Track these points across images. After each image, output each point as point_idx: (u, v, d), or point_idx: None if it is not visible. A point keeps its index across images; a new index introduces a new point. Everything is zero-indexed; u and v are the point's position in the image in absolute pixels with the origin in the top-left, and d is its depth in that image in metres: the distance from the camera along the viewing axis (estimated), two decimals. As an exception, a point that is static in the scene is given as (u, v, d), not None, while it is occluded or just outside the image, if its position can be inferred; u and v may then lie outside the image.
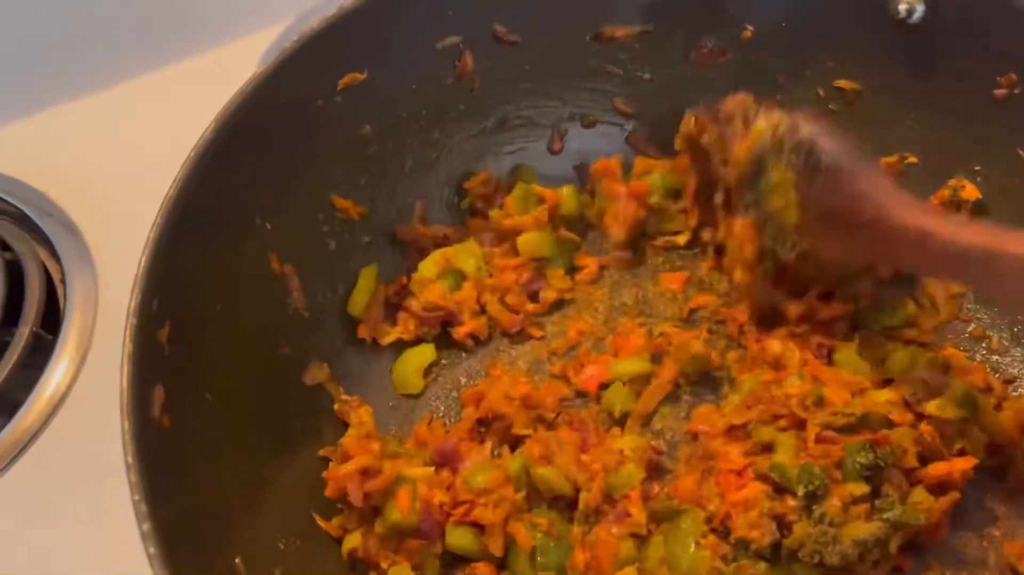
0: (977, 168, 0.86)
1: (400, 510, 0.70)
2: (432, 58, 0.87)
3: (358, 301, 0.85)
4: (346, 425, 0.79)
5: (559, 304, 0.89)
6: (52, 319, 0.90)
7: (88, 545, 0.75)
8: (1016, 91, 0.81)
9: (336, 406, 0.81)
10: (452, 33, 0.86)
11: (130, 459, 0.53)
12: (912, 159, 0.89)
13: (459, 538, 0.71)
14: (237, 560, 0.63)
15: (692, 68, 0.93)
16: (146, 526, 0.51)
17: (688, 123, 0.85)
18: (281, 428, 0.77)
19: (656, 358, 0.82)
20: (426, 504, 0.71)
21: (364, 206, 0.87)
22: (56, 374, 0.85)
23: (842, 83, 0.91)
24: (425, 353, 0.85)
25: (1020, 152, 0.83)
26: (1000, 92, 0.82)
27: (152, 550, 0.50)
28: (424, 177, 0.91)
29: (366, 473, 0.72)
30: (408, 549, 0.72)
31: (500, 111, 0.93)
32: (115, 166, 0.99)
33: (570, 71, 0.93)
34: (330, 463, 0.76)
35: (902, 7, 0.83)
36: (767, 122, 0.76)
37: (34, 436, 0.81)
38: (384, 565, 0.71)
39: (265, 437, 0.74)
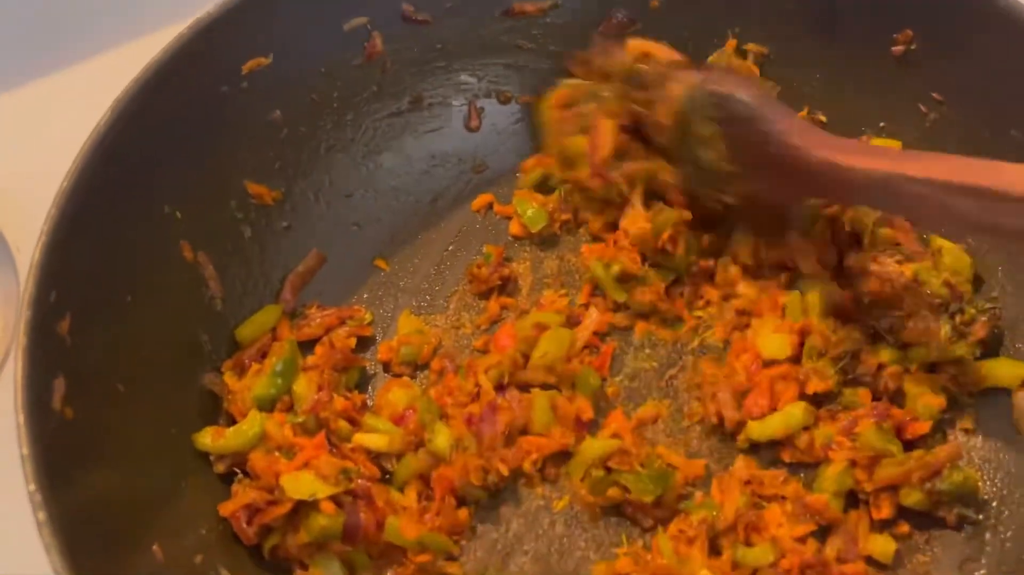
0: (882, 125, 0.88)
1: (315, 528, 0.69)
2: (340, 40, 0.86)
3: (247, 332, 0.82)
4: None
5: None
6: None
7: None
8: (912, 47, 0.83)
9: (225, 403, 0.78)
10: (358, 14, 0.86)
11: (25, 451, 0.53)
12: (822, 117, 0.91)
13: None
14: (155, 547, 0.63)
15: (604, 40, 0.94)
16: (41, 515, 0.51)
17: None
18: (203, 418, 0.77)
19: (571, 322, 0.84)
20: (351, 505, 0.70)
21: (279, 191, 0.87)
22: None
23: (750, 47, 0.92)
24: None
25: (920, 107, 0.85)
26: (898, 49, 0.84)
27: (48, 539, 0.50)
28: (340, 159, 0.91)
29: (253, 508, 0.69)
30: (336, 548, 0.70)
31: (414, 90, 0.93)
32: (32, 165, 0.96)
33: (483, 48, 0.93)
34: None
35: (800, -32, 0.85)
36: (683, 86, 0.80)
37: None
38: (308, 562, 0.70)
39: (185, 427, 0.74)
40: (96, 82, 0.99)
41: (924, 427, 0.74)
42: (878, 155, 0.72)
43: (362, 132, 0.92)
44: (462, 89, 0.95)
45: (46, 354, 0.59)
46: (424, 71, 0.93)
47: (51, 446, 0.55)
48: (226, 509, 0.69)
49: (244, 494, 0.69)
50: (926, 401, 0.75)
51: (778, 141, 0.75)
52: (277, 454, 0.71)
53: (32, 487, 0.51)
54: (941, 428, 0.77)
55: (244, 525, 0.68)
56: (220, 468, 0.74)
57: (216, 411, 0.78)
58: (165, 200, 0.76)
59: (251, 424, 0.72)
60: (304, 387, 0.75)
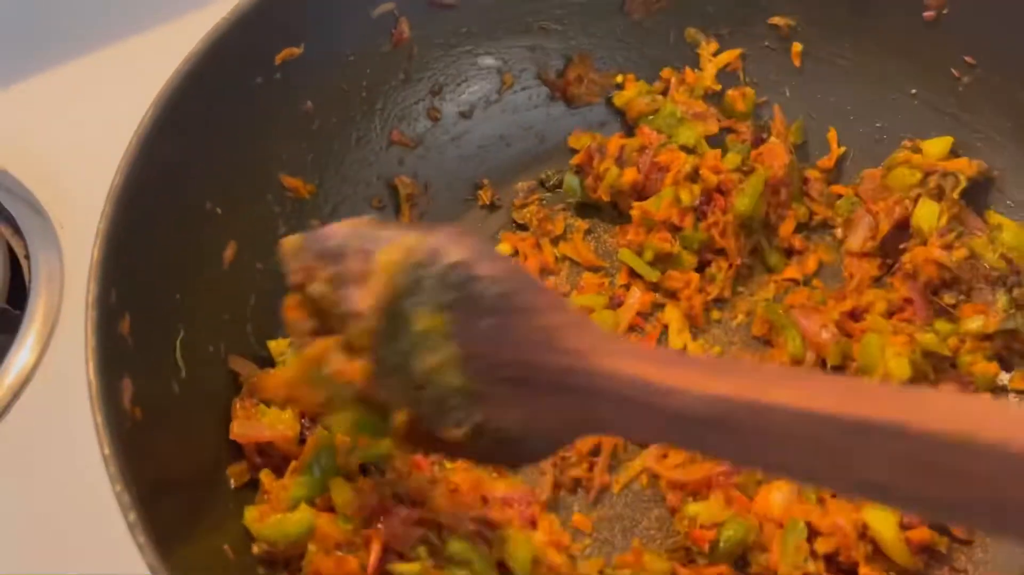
0: (914, 91, 0.88)
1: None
2: (368, 27, 0.85)
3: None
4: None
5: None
6: (18, 295, 0.90)
7: (56, 523, 0.75)
8: (944, 11, 0.83)
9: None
10: (387, 0, 0.85)
11: (107, 451, 0.52)
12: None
13: None
14: (225, 547, 0.62)
15: (629, 19, 0.94)
16: (132, 515, 0.50)
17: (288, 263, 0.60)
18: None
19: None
20: None
21: (313, 184, 0.86)
22: (24, 349, 0.85)
23: (776, 20, 0.92)
24: None
25: (953, 71, 0.85)
26: (929, 14, 0.84)
27: (141, 539, 0.49)
28: (371, 149, 0.90)
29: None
30: None
31: (442, 76, 0.92)
32: (75, 143, 0.97)
33: (508, 31, 0.93)
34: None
35: (829, -64, 0.84)
36: (397, 251, 0.51)
37: (3, 411, 0.81)
38: None
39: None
40: (133, 63, 1.00)
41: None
42: (718, 371, 0.44)
43: (391, 121, 0.90)
44: (487, 73, 0.94)
45: (113, 354, 0.58)
46: (450, 56, 0.92)
47: (128, 445, 0.54)
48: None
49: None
50: (981, 368, 0.75)
51: (555, 343, 0.47)
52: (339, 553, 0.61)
53: (119, 487, 0.50)
54: (995, 393, 0.77)
55: None
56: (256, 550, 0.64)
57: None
58: (206, 196, 0.74)
59: (298, 523, 0.62)
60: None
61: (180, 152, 0.69)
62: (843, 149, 0.91)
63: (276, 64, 0.78)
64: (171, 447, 0.63)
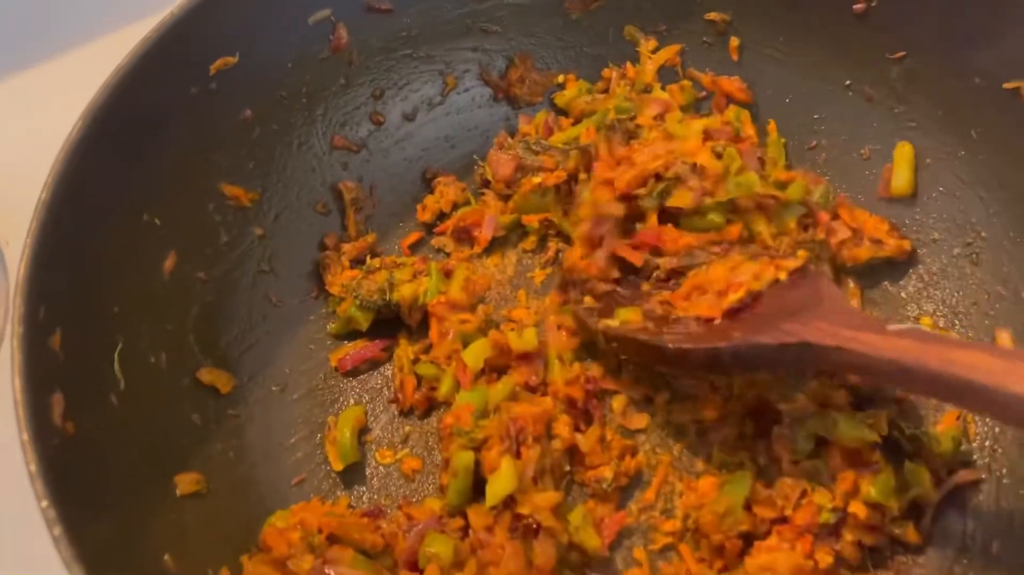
0: (848, 83, 0.89)
1: None
2: (305, 34, 0.85)
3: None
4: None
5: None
6: None
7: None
8: (873, 3, 0.84)
9: None
10: (322, 6, 0.85)
11: (33, 468, 0.52)
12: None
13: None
14: (167, 557, 0.63)
15: (569, 18, 0.94)
16: (57, 530, 0.50)
17: None
18: (199, 412, 0.76)
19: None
20: None
21: (255, 192, 0.86)
22: None
23: (712, 16, 0.93)
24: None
25: (884, 63, 0.86)
26: (858, 7, 0.85)
27: (66, 553, 0.49)
28: (313, 155, 0.90)
29: None
30: None
31: (384, 80, 0.92)
32: (15, 159, 0.96)
33: (448, 34, 0.93)
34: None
35: (756, -69, 0.85)
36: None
37: None
38: None
39: (180, 437, 0.73)
40: (70, 79, 0.98)
41: None
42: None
43: (332, 126, 0.91)
44: (429, 76, 0.95)
45: (41, 370, 0.58)
46: (390, 60, 0.92)
47: (57, 461, 0.54)
48: None
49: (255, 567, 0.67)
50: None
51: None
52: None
53: (45, 503, 0.50)
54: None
55: None
56: None
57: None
58: (143, 208, 0.74)
59: None
60: None
61: (112, 165, 0.69)
62: (783, 140, 0.92)
63: (211, 74, 0.79)
64: (108, 459, 0.63)
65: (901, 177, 0.86)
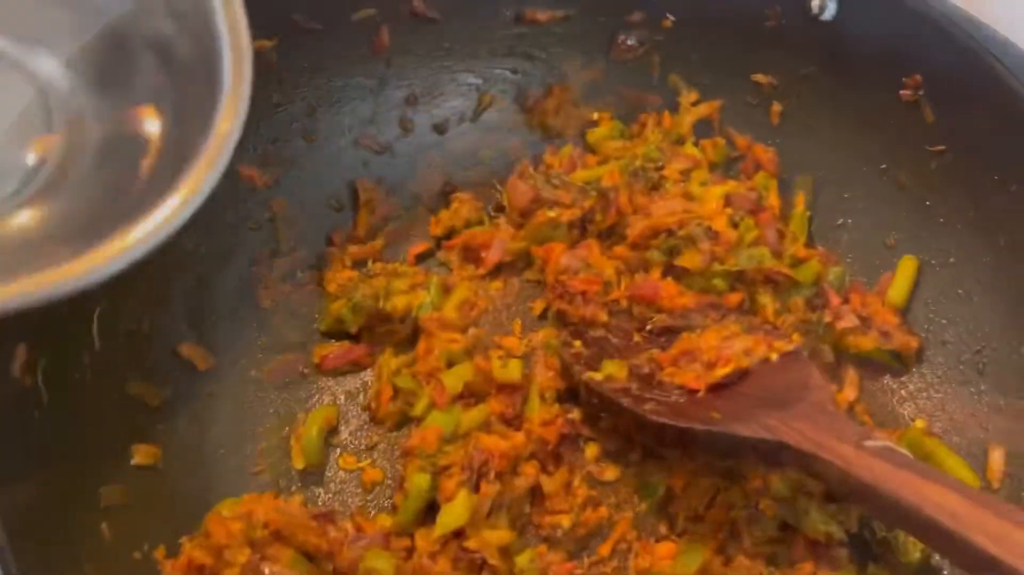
0: (884, 167, 0.87)
1: None
2: (346, 29, 0.85)
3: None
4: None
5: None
6: None
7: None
8: (921, 93, 0.82)
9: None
10: (367, 5, 0.85)
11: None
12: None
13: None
14: (104, 526, 0.62)
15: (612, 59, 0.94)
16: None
17: None
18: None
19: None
20: None
21: (270, 175, 0.86)
22: None
23: (759, 77, 0.91)
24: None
25: (924, 152, 0.84)
26: (906, 93, 0.83)
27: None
28: (336, 150, 0.90)
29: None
30: None
31: (419, 87, 0.92)
32: None
33: (491, 52, 0.93)
34: None
35: (815, 3, 0.84)
36: None
37: None
38: None
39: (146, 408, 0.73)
40: None
41: None
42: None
43: (360, 123, 0.91)
44: (466, 91, 0.94)
45: (11, 319, 0.58)
46: (429, 69, 0.92)
47: (4, 411, 0.54)
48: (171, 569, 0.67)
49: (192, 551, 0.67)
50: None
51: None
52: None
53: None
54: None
55: None
56: None
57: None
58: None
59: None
60: None
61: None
62: (808, 214, 0.90)
63: (246, 53, 0.79)
64: (67, 418, 0.63)
65: (899, 289, 0.84)
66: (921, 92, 0.82)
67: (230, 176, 0.80)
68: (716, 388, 0.74)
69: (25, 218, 0.47)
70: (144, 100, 0.50)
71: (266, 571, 0.66)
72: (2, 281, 0.41)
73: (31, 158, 0.48)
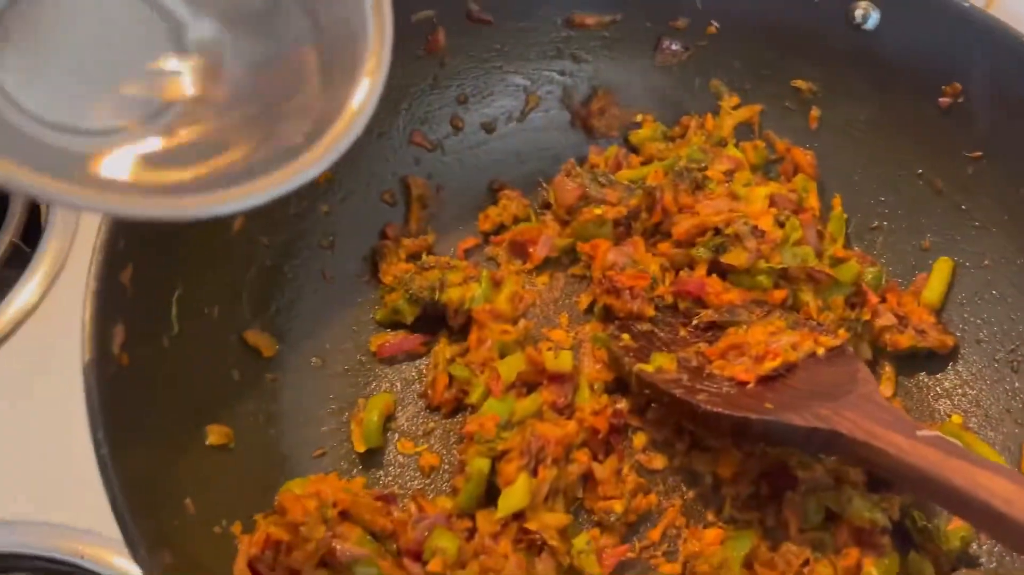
0: (920, 171, 0.90)
1: None
2: (405, 30, 0.87)
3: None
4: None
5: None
6: (33, 234, 0.93)
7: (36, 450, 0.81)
8: (959, 100, 0.86)
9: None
10: (427, 7, 0.88)
11: (91, 389, 0.55)
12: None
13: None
14: (187, 501, 0.65)
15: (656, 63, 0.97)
16: (104, 451, 0.52)
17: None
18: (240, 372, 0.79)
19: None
20: None
21: (328, 170, 0.88)
22: (30, 285, 0.89)
23: (799, 83, 0.94)
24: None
25: (960, 159, 0.87)
26: (944, 100, 0.86)
27: (111, 474, 0.52)
28: (391, 148, 0.93)
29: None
30: None
31: (470, 87, 0.95)
32: None
33: (541, 54, 0.96)
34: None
35: (858, 12, 0.87)
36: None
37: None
38: None
39: (218, 391, 0.76)
40: None
41: None
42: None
43: (413, 122, 0.93)
44: (514, 91, 0.97)
45: (111, 299, 0.60)
46: (480, 69, 0.95)
47: (109, 388, 0.57)
48: (249, 544, 0.68)
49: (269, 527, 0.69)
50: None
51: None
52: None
53: (95, 425, 0.53)
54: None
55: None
56: None
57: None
58: (225, 165, 0.77)
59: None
60: None
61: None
62: (845, 216, 0.93)
63: (312, 51, 0.81)
64: (151, 397, 0.65)
65: (934, 290, 0.88)
66: (960, 100, 0.85)
67: (292, 169, 0.85)
68: (765, 381, 0.77)
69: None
70: (290, 45, 0.52)
71: (338, 548, 0.68)
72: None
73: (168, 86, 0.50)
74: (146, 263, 0.66)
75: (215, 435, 0.72)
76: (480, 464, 0.75)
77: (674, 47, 0.96)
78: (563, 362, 0.83)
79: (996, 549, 0.76)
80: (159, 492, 0.60)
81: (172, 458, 0.66)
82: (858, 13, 0.87)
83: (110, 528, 0.73)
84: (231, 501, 0.70)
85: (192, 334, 0.73)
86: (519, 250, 0.94)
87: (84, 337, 0.57)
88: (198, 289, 0.74)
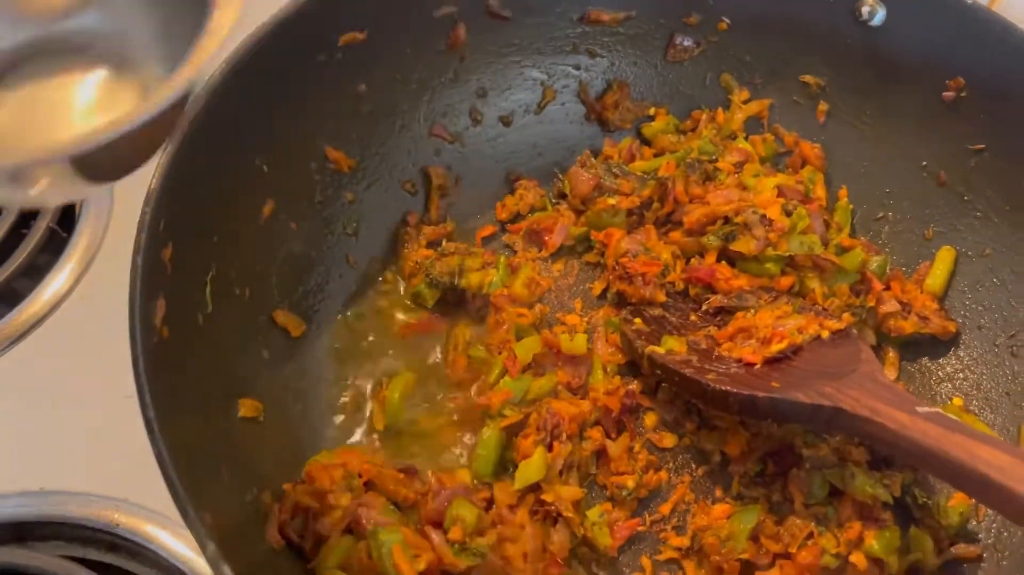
0: (924, 164, 0.93)
1: None
2: (428, 25, 0.92)
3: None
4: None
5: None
6: (69, 219, 0.97)
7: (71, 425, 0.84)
8: (963, 95, 0.88)
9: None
10: (448, 3, 0.91)
11: (138, 357, 0.59)
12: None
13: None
14: (223, 469, 0.68)
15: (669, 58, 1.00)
16: (151, 414, 0.56)
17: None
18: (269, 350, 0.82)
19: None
20: None
21: (354, 159, 0.92)
22: (65, 271, 0.92)
23: (807, 78, 0.97)
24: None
25: (963, 151, 0.90)
26: (948, 95, 0.89)
27: (159, 438, 0.55)
28: (412, 139, 0.96)
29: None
30: None
31: (489, 81, 0.98)
32: None
33: (557, 49, 0.99)
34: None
35: (865, 9, 0.90)
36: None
37: (35, 325, 0.89)
38: None
39: (248, 367, 0.80)
40: None
41: None
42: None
43: (434, 115, 0.97)
44: (531, 85, 1.00)
45: (154, 275, 0.64)
46: (499, 64, 0.98)
47: (152, 358, 0.61)
48: (280, 511, 0.72)
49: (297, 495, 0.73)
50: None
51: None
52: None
53: (147, 398, 0.57)
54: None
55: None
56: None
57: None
58: (258, 152, 0.81)
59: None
60: None
61: (242, 109, 0.76)
62: (851, 206, 0.96)
63: (339, 45, 0.85)
64: (187, 370, 0.69)
65: (937, 278, 0.91)
66: (963, 94, 0.88)
67: (318, 159, 0.89)
68: (771, 362, 0.80)
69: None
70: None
71: (363, 515, 0.72)
72: None
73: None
74: (184, 244, 0.70)
75: (246, 408, 0.76)
76: (494, 431, 0.79)
77: (686, 43, 0.99)
78: (578, 344, 0.86)
79: (994, 526, 0.79)
80: (198, 458, 0.63)
81: (207, 427, 0.70)
82: (865, 10, 0.90)
83: (143, 497, 0.79)
84: (260, 471, 0.74)
85: (225, 313, 0.76)
86: (535, 238, 0.98)
87: (132, 308, 0.60)
88: (231, 271, 0.78)
